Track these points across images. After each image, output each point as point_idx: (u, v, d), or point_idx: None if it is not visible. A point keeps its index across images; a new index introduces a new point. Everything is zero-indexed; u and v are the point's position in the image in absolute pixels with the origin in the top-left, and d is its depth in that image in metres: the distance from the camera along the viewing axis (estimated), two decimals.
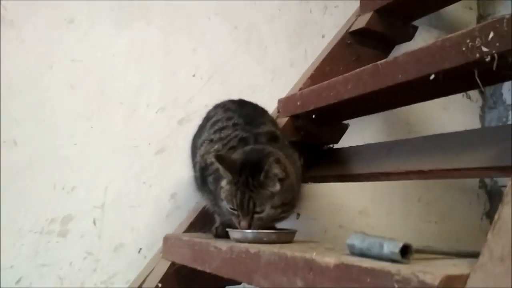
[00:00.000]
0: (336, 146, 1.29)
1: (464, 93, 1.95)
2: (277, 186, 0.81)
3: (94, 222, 1.15)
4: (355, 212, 1.59)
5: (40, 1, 1.15)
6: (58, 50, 1.16)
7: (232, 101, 1.08)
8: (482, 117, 1.94)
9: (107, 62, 1.23)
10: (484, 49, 0.71)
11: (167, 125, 1.28)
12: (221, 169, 0.84)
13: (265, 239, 0.76)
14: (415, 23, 1.46)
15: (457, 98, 1.92)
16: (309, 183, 1.28)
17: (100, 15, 1.23)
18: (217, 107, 1.08)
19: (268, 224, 0.81)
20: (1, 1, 1.10)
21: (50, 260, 1.09)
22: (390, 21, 1.36)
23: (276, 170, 0.80)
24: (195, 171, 1.03)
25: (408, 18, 1.41)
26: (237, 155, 0.85)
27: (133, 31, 1.26)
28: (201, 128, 1.07)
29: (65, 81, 1.16)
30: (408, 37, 1.43)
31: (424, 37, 1.69)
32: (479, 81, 0.74)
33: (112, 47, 1.23)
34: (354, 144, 1.21)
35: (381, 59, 0.91)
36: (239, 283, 1.12)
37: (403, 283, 0.44)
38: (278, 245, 0.72)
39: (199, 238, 0.90)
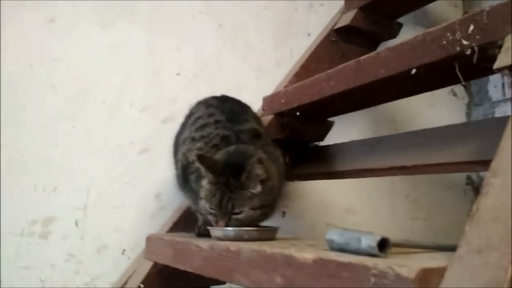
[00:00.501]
0: (322, 143, 1.29)
1: (450, 91, 1.96)
2: (258, 188, 0.80)
3: (77, 224, 1.14)
4: (342, 210, 1.59)
5: (20, 1, 1.13)
6: (39, 50, 1.15)
7: (214, 97, 1.06)
8: (468, 114, 1.95)
9: (89, 61, 1.21)
10: (465, 42, 0.71)
11: (151, 124, 1.27)
12: (202, 169, 0.83)
13: (246, 236, 0.75)
14: (400, 20, 1.46)
15: (443, 96, 1.93)
16: (295, 181, 1.28)
17: (81, 14, 1.21)
18: (199, 103, 1.07)
19: (247, 225, 0.80)
20: None
21: (31, 262, 1.07)
22: (375, 18, 1.36)
23: (259, 170, 0.79)
24: (176, 169, 1.02)
25: (392, 15, 1.41)
26: (219, 156, 0.84)
27: (116, 30, 1.25)
28: (183, 125, 1.06)
29: (46, 80, 1.15)
30: (393, 34, 1.43)
31: (409, 35, 1.67)
32: (460, 75, 0.74)
33: (94, 46, 1.22)
34: (340, 142, 1.20)
35: None
36: (223, 282, 1.11)
37: (379, 276, 0.44)
38: (258, 243, 0.71)
39: (180, 238, 0.89)
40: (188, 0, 1.37)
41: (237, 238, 0.75)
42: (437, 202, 1.77)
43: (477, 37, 0.69)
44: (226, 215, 0.79)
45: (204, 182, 0.83)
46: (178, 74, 1.33)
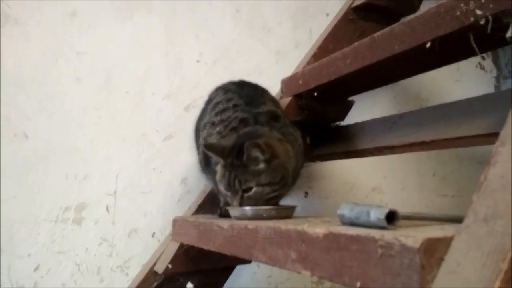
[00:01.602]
0: (343, 123, 1.28)
1: (477, 64, 1.91)
2: (261, 165, 0.82)
3: (107, 209, 1.19)
4: (368, 189, 1.59)
5: None
6: (63, 43, 1.19)
7: (232, 83, 1.08)
8: (497, 88, 1.89)
9: (111, 53, 1.24)
10: (478, 12, 0.69)
11: (174, 112, 1.30)
12: (213, 157, 0.87)
13: (264, 215, 0.77)
14: None
15: (470, 70, 1.88)
16: (316, 161, 1.29)
17: (101, 7, 1.24)
18: (218, 89, 1.09)
19: (262, 203, 0.82)
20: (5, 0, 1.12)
21: (66, 247, 1.13)
22: None
23: (256, 153, 0.81)
24: (198, 153, 1.05)
25: None
26: (228, 141, 0.87)
27: (135, 21, 1.28)
28: (203, 111, 1.08)
29: (72, 73, 1.19)
30: (413, 9, 1.40)
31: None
32: (475, 46, 0.73)
33: (115, 38, 1.25)
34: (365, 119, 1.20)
35: None
36: (248, 261, 1.14)
37: (386, 248, 0.45)
38: (275, 220, 0.73)
39: (204, 219, 0.92)
40: None
41: (255, 217, 0.77)
42: (466, 178, 1.74)
43: (491, 5, 0.67)
44: (237, 193, 0.82)
45: (218, 167, 0.87)
46: (198, 61, 1.35)
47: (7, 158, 1.08)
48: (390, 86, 1.36)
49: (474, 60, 1.89)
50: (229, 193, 0.84)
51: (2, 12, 1.12)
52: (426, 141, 0.90)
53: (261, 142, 0.80)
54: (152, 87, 1.28)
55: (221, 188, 0.85)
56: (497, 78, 1.87)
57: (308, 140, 1.24)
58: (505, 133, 0.48)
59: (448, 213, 0.55)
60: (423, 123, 0.95)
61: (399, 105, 1.68)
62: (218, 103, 1.01)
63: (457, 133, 0.84)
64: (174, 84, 1.31)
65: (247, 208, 0.80)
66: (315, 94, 1.11)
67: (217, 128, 0.95)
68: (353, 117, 1.28)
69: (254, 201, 0.82)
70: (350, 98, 1.26)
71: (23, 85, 1.12)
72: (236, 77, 1.27)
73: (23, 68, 1.13)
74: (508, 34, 0.61)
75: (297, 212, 0.87)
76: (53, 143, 1.14)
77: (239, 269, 1.24)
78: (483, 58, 1.85)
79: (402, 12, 1.39)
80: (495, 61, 1.86)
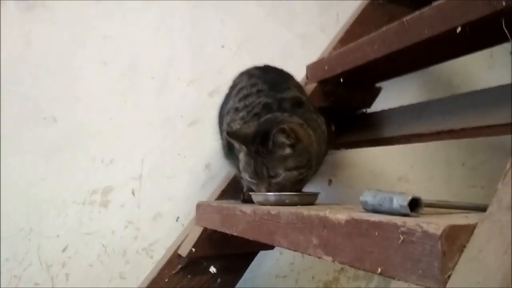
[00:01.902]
0: (370, 110, 1.26)
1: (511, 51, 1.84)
2: (287, 151, 0.81)
3: (133, 193, 1.21)
4: (394, 179, 1.56)
5: None
6: (89, 28, 1.20)
7: (256, 68, 1.07)
8: None
9: (137, 37, 1.25)
10: None
11: (198, 97, 1.30)
12: (236, 144, 0.86)
13: (287, 201, 0.77)
14: None
15: (503, 57, 1.80)
16: (341, 149, 1.27)
17: None
18: (242, 74, 1.08)
19: (289, 188, 0.82)
20: None
21: (93, 229, 1.15)
22: None
23: (282, 139, 0.80)
24: (222, 138, 1.05)
25: None
26: (250, 128, 0.86)
27: (159, 5, 1.28)
28: (227, 96, 1.08)
29: (98, 58, 1.20)
30: None
31: None
32: (507, 32, 0.70)
33: (140, 22, 1.26)
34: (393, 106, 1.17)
35: None
36: (271, 247, 1.14)
37: (407, 234, 0.44)
38: (297, 206, 0.72)
39: (227, 204, 0.93)
40: None
41: (278, 203, 0.77)
42: (497, 169, 1.68)
43: None
44: (264, 180, 0.81)
45: (241, 155, 0.87)
46: (222, 46, 1.34)
47: (36, 141, 1.11)
48: (419, 72, 1.33)
49: (508, 47, 1.81)
50: (254, 181, 0.84)
51: None
52: (455, 129, 0.87)
53: (286, 127, 0.80)
54: (177, 72, 1.28)
55: (246, 176, 0.85)
56: None
57: (333, 128, 1.23)
58: None
59: (475, 202, 0.54)
60: (452, 111, 0.93)
61: (429, 92, 1.64)
62: (242, 88, 1.00)
63: (487, 122, 0.81)
64: (199, 69, 1.31)
65: (270, 194, 0.80)
66: (341, 80, 1.10)
67: (240, 114, 0.95)
68: (381, 104, 1.26)
69: (282, 187, 0.81)
70: (377, 85, 1.24)
71: (51, 70, 1.15)
72: (260, 63, 1.26)
73: (50, 52, 1.15)
74: None
75: (321, 199, 0.86)
76: (79, 126, 1.17)
77: (262, 255, 1.25)
78: None
79: None
80: None
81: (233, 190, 1.12)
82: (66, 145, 1.14)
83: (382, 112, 1.17)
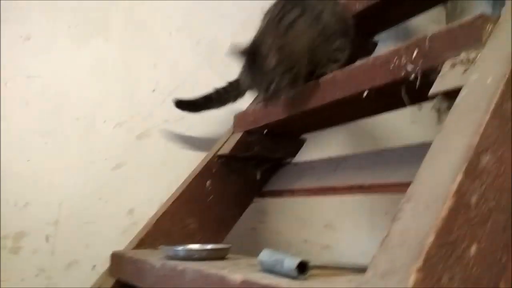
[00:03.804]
0: (295, 160, 1.30)
1: (433, 106, 1.97)
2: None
3: (47, 239, 1.15)
4: (320, 226, 1.59)
5: None
6: (14, 67, 1.17)
7: None
8: None
9: (65, 78, 1.23)
10: (409, 67, 0.72)
11: (126, 140, 1.29)
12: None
13: (195, 256, 0.77)
14: (381, 38, 1.47)
15: (427, 112, 1.93)
16: (266, 197, 1.29)
17: (57, 32, 1.24)
18: None
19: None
20: None
21: (2, 277, 1.08)
22: None
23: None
24: None
25: (366, 34, 1.42)
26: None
27: (91, 47, 1.27)
28: None
29: (20, 97, 1.17)
30: (368, 52, 1.45)
31: None
32: (405, 99, 0.76)
33: (70, 63, 1.24)
34: (318, 158, 1.21)
35: None
36: None
37: None
38: (204, 262, 0.72)
39: (140, 255, 0.90)
40: (165, 18, 1.40)
41: (187, 258, 0.77)
42: None
43: (420, 62, 0.71)
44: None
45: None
46: (153, 90, 1.35)
47: None
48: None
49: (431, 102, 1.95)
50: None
51: None
52: (365, 185, 0.92)
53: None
54: (104, 114, 1.27)
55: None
56: None
57: (258, 176, 1.25)
58: (411, 189, 0.50)
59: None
60: (364, 167, 0.98)
61: (354, 143, 1.71)
62: None
63: (394, 180, 0.86)
64: (128, 112, 1.30)
65: (179, 248, 0.79)
66: (265, 132, 1.13)
67: None
68: (308, 154, 1.30)
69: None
70: (302, 136, 1.28)
71: None
72: None
73: None
74: (430, 92, 0.64)
75: (247, 247, 0.86)
76: None
77: None
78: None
79: (358, 55, 1.43)
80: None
81: (152, 239, 1.09)
82: None
83: (305, 163, 1.21)
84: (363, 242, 1.65)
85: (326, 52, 0.99)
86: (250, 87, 1.00)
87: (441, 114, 0.64)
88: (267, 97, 0.94)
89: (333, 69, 0.95)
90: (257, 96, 0.99)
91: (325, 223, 1.60)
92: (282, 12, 0.98)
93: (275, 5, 1.04)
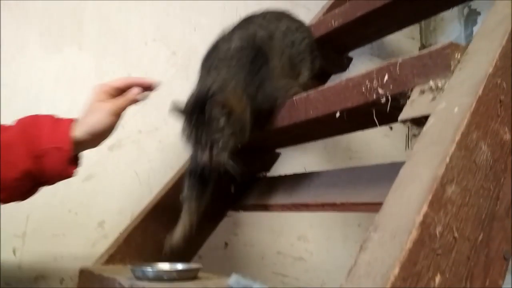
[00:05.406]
0: (269, 174, 1.30)
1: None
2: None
3: (14, 252, 1.12)
4: (294, 238, 1.60)
5: None
6: None
7: None
8: None
9: (36, 86, 1.21)
10: (380, 90, 0.74)
11: (97, 151, 1.26)
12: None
13: (165, 277, 0.76)
14: (356, 52, 1.50)
15: (398, 126, 1.97)
16: (240, 211, 1.29)
17: (28, 40, 1.21)
18: None
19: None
20: None
21: None
22: (324, 53, 1.39)
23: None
24: None
25: (342, 50, 1.45)
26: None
27: (63, 56, 1.25)
28: None
29: None
30: (343, 67, 1.47)
31: (366, 66, 1.75)
32: (376, 121, 0.77)
33: (41, 72, 1.22)
34: (294, 171, 1.22)
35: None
36: None
37: None
38: (176, 283, 0.71)
39: (109, 273, 0.89)
40: (141, 27, 1.39)
41: (156, 278, 0.76)
42: None
43: (391, 86, 0.72)
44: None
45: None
46: None
47: None
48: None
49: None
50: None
51: None
52: (336, 203, 0.92)
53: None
54: None
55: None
56: None
57: (232, 189, 1.24)
58: (378, 218, 0.50)
59: None
60: (336, 184, 0.99)
61: (329, 156, 1.73)
62: None
63: (363, 199, 0.87)
64: None
65: (149, 269, 0.78)
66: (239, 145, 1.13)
67: None
68: (284, 166, 1.31)
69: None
70: (277, 150, 1.29)
71: None
72: (166, 118, 1.28)
73: None
74: (400, 117, 0.65)
75: (221, 261, 0.85)
76: None
77: None
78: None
79: (332, 70, 1.45)
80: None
81: (123, 255, 1.08)
82: None
83: (279, 177, 1.21)
84: (336, 254, 1.67)
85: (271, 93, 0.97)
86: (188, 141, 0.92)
87: (409, 139, 0.65)
88: (207, 158, 0.88)
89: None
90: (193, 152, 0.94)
91: (298, 235, 1.61)
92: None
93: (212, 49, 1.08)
